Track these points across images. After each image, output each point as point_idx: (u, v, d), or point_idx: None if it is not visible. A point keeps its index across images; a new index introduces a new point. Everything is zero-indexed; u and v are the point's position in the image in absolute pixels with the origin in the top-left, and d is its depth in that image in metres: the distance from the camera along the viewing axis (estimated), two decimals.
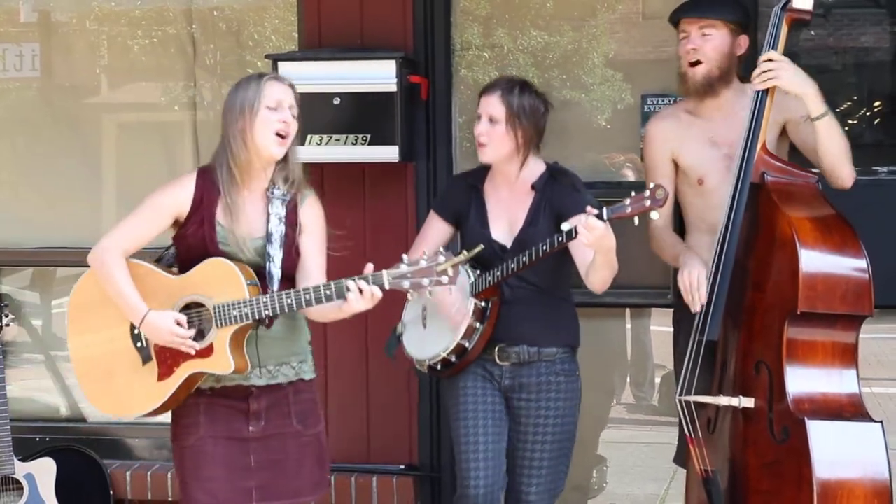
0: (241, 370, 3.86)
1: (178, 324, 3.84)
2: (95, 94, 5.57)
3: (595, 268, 4.04)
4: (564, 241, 3.94)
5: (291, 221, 3.99)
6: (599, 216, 3.83)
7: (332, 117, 4.79)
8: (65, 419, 5.56)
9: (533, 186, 4.27)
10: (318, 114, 4.76)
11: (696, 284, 4.09)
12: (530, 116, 4.23)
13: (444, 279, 3.70)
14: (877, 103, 5.06)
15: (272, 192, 3.97)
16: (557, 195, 4.25)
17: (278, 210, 3.95)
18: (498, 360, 4.25)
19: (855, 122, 5.00)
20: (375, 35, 4.96)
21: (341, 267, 4.05)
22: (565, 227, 3.90)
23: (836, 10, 4.86)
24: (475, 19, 5.21)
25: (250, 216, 3.95)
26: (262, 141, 3.88)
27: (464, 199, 4.34)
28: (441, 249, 3.77)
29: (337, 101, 4.78)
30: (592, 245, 3.89)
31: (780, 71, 4.00)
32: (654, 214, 3.89)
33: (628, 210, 3.86)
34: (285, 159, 3.97)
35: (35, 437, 5.34)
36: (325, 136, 4.80)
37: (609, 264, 4.01)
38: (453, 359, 4.20)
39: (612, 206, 3.86)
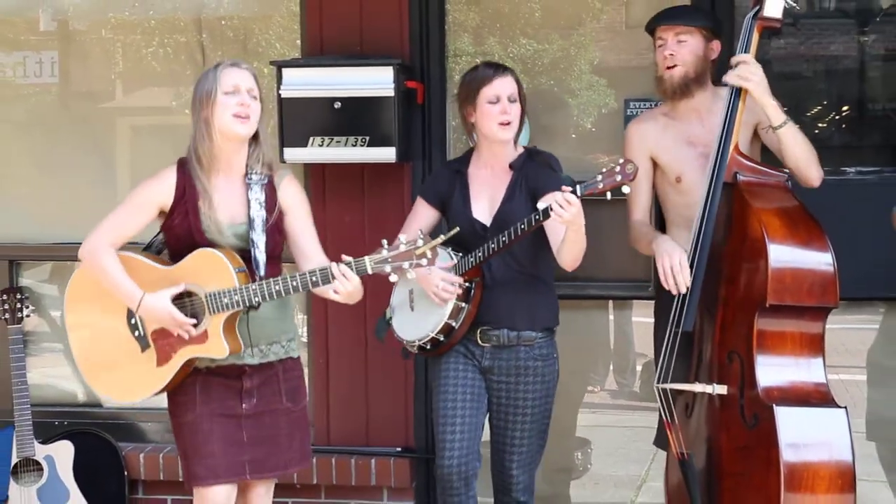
0: (235, 352, 3.87)
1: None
2: (110, 99, 5.56)
3: (567, 244, 4.02)
4: (541, 218, 3.92)
5: (271, 204, 3.96)
6: (574, 192, 3.83)
7: (333, 120, 4.76)
8: (82, 404, 5.53)
9: (511, 166, 4.25)
10: (319, 117, 4.77)
11: (677, 267, 4.05)
12: (525, 97, 4.28)
13: (424, 261, 3.70)
14: (844, 108, 5.04)
15: (250, 178, 3.94)
16: (533, 173, 4.23)
17: (258, 195, 3.93)
18: (480, 342, 4.23)
19: (824, 125, 4.98)
20: (374, 43, 4.94)
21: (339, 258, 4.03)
22: (541, 205, 3.90)
23: (806, 20, 4.91)
24: (467, 28, 5.19)
25: (232, 203, 3.94)
26: (223, 124, 3.86)
27: (448, 184, 4.32)
28: (420, 233, 3.77)
29: (337, 105, 4.75)
30: (566, 221, 3.87)
31: (750, 73, 4.00)
32: (625, 189, 3.89)
33: (600, 186, 3.86)
34: (256, 142, 3.96)
35: (54, 421, 5.32)
36: (326, 138, 4.77)
37: (580, 241, 3.99)
38: (441, 338, 4.18)
39: (585, 182, 3.86)
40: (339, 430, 5.14)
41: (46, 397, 5.43)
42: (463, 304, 4.14)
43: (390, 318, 4.35)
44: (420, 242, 3.69)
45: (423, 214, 4.35)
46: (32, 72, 5.51)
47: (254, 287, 3.79)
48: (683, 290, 4.04)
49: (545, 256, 4.21)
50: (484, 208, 4.23)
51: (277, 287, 3.79)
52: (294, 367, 4.12)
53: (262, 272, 3.87)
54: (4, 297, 5.15)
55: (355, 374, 4.98)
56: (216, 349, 3.83)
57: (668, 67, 4.28)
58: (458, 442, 4.26)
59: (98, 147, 5.48)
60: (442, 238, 3.79)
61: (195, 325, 3.83)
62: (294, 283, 3.79)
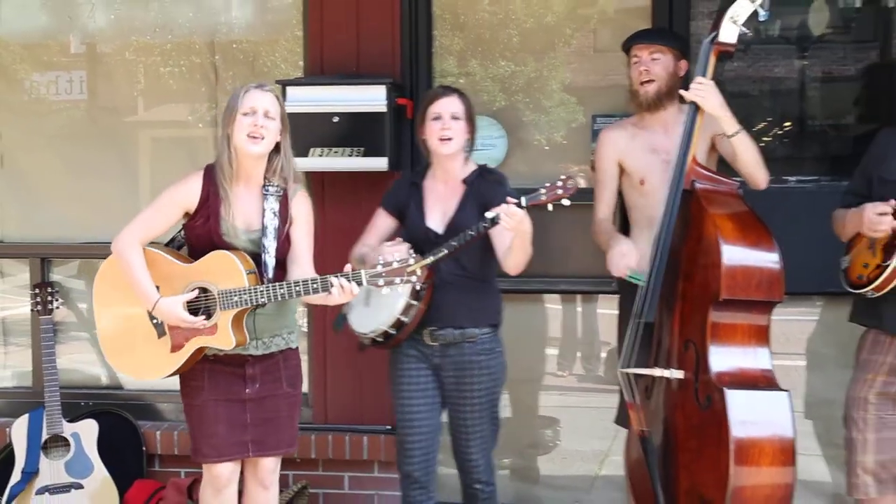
0: (241, 344, 3.92)
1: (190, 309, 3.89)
2: (133, 114, 5.56)
3: (512, 251, 4.03)
4: (489, 226, 3.92)
5: (283, 214, 4.01)
6: (518, 204, 3.84)
7: (332, 133, 4.78)
8: (105, 387, 5.55)
9: (464, 181, 4.25)
10: (319, 130, 4.78)
11: (622, 252, 4.15)
12: (473, 118, 4.26)
13: (413, 278, 3.77)
14: (787, 123, 5.06)
15: (266, 189, 3.99)
16: (484, 188, 4.23)
17: (272, 205, 3.98)
18: (429, 342, 4.22)
19: (769, 139, 5.01)
20: (368, 64, 4.96)
21: (337, 257, 4.15)
22: (490, 214, 3.88)
23: (754, 45, 4.93)
24: (452, 52, 5.20)
25: (248, 210, 3.98)
26: (239, 142, 3.92)
27: (406, 195, 4.31)
28: (410, 251, 3.84)
29: (336, 119, 4.78)
30: (513, 229, 3.88)
31: (705, 92, 4.04)
32: (565, 202, 3.89)
33: (543, 198, 3.87)
34: (278, 154, 4.00)
35: (80, 401, 5.34)
36: (325, 149, 4.79)
37: (524, 248, 4.00)
38: (393, 332, 4.15)
39: (529, 194, 3.87)
40: (335, 411, 5.16)
41: (73, 381, 5.44)
42: (414, 302, 4.11)
43: (346, 312, 4.28)
44: (411, 262, 3.75)
45: (383, 222, 4.32)
46: (64, 90, 5.53)
47: (261, 289, 3.84)
48: (618, 274, 4.13)
49: (489, 261, 4.20)
50: (437, 219, 4.22)
51: (282, 291, 3.83)
52: (293, 356, 4.17)
53: (271, 275, 3.92)
54: (37, 290, 5.18)
55: (349, 362, 4.98)
56: (224, 341, 3.89)
57: (643, 82, 4.33)
58: (418, 446, 4.30)
59: (122, 157, 5.49)
60: (431, 258, 3.86)
61: (207, 318, 3.88)
62: (297, 289, 3.84)
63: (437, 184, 4.30)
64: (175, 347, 3.96)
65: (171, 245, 4.12)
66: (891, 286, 3.89)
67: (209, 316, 3.89)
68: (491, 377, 4.28)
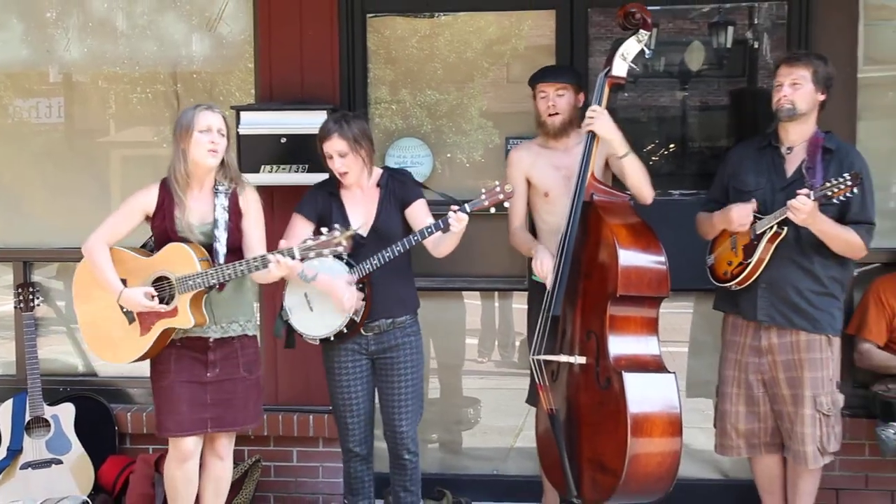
0: (200, 324, 3.93)
1: (148, 295, 3.90)
2: (105, 135, 5.49)
3: (448, 243, 4.05)
4: (433, 231, 3.95)
5: (234, 210, 4.04)
6: (463, 210, 3.90)
7: (280, 152, 4.74)
8: (81, 374, 5.47)
9: (378, 184, 4.22)
10: (269, 149, 4.75)
11: (547, 268, 4.16)
12: (364, 138, 4.16)
13: (340, 248, 3.74)
14: (671, 145, 5.08)
15: (217, 189, 4.02)
16: (398, 188, 4.22)
17: (223, 201, 4.00)
18: (363, 332, 4.19)
19: (657, 158, 5.03)
20: (312, 92, 4.93)
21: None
22: (441, 221, 3.93)
23: (643, 78, 4.96)
24: (385, 82, 5.17)
25: (200, 209, 4.01)
26: (198, 156, 3.94)
27: (325, 203, 4.23)
28: (336, 226, 3.77)
29: (283, 140, 4.74)
30: (459, 231, 3.92)
31: (598, 120, 4.10)
32: (506, 204, 3.96)
33: (485, 203, 3.92)
34: (223, 163, 4.02)
35: (59, 387, 5.26)
36: (274, 166, 4.76)
37: (456, 243, 4.04)
38: (345, 330, 4.13)
39: (473, 201, 3.93)
40: (285, 393, 5.11)
41: (53, 369, 5.36)
42: (361, 302, 4.10)
43: (287, 318, 4.21)
44: (337, 233, 3.73)
45: (301, 228, 4.20)
46: (44, 114, 5.46)
47: (211, 272, 3.87)
48: (549, 285, 4.13)
49: (409, 257, 4.22)
50: (361, 221, 4.14)
51: (229, 271, 3.87)
52: (251, 344, 4.15)
53: (222, 261, 3.94)
54: (20, 290, 5.11)
55: (296, 350, 4.80)
56: (183, 321, 3.91)
57: (551, 115, 4.34)
58: (357, 426, 4.28)
59: (95, 173, 5.43)
60: (353, 230, 3.78)
61: (168, 302, 3.90)
62: (241, 268, 3.87)
63: (352, 191, 4.24)
64: (144, 330, 3.98)
65: (145, 248, 4.14)
66: (751, 280, 4.05)
67: (171, 300, 3.91)
68: (419, 354, 4.28)
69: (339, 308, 4.07)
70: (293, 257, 3.79)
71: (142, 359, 4.04)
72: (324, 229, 3.77)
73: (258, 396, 4.20)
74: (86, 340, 4.16)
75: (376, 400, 4.36)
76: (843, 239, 4.01)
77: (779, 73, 4.12)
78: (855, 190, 3.78)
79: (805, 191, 3.85)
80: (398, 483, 4.38)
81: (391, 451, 4.35)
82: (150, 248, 4.12)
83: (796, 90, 4.06)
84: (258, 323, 4.52)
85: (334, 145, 4.14)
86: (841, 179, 3.78)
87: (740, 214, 4.09)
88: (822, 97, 4.12)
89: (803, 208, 3.83)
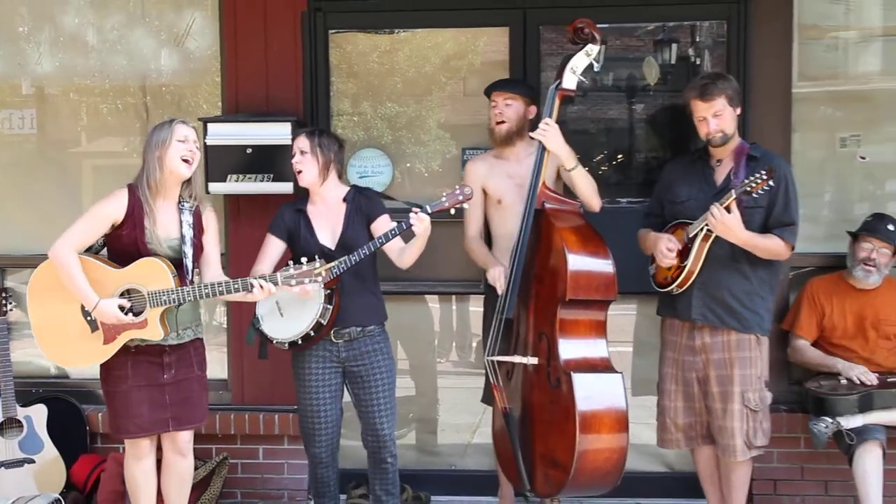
0: (166, 335, 3.85)
1: (120, 307, 3.80)
2: (77, 146, 5.41)
3: (413, 250, 4.03)
4: (397, 233, 3.94)
5: (198, 226, 3.96)
6: (425, 211, 3.89)
7: (246, 162, 4.70)
8: (53, 376, 5.36)
9: (344, 200, 4.20)
10: (235, 160, 4.70)
11: (498, 278, 4.15)
12: (325, 148, 4.17)
13: (320, 279, 3.75)
14: (619, 156, 5.08)
15: (182, 205, 3.94)
16: (363, 203, 4.20)
17: (188, 218, 3.93)
18: (334, 339, 4.16)
19: (605, 168, 5.03)
20: (276, 104, 4.89)
21: (249, 261, 4.17)
22: (404, 223, 3.92)
23: (592, 92, 4.96)
24: (347, 95, 5.14)
25: (167, 222, 3.91)
26: (174, 165, 3.86)
27: (292, 220, 4.21)
28: (316, 257, 3.80)
29: (249, 150, 4.70)
30: (423, 233, 3.91)
31: (548, 134, 4.10)
32: (465, 205, 3.96)
33: (446, 204, 3.93)
34: (189, 181, 3.94)
35: (31, 389, 5.15)
36: (240, 175, 4.71)
37: (421, 246, 4.02)
38: (312, 333, 4.09)
39: (434, 203, 3.93)
40: (251, 393, 5.06)
41: (26, 371, 5.26)
42: (328, 306, 4.06)
43: (259, 326, 4.19)
44: (317, 264, 3.76)
45: (274, 247, 4.21)
46: (17, 125, 5.37)
47: (187, 290, 3.79)
48: (500, 292, 4.13)
49: (375, 270, 4.22)
50: (327, 236, 4.16)
51: (207, 290, 3.80)
52: (200, 345, 4.13)
53: (191, 276, 3.89)
54: None
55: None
56: (153, 333, 3.83)
57: (498, 122, 4.35)
58: (323, 433, 4.24)
59: (67, 183, 5.34)
60: (334, 263, 3.84)
61: (138, 315, 3.81)
62: (220, 289, 3.81)
63: (318, 207, 4.22)
64: (108, 340, 3.88)
65: (90, 251, 3.99)
66: (689, 282, 4.04)
67: (137, 314, 3.81)
68: (389, 360, 4.25)
69: (304, 297, 4.00)
70: (276, 283, 3.79)
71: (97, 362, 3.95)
72: (304, 259, 3.79)
73: (207, 393, 4.18)
74: (39, 343, 3.99)
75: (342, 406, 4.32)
76: (763, 246, 4.04)
77: (696, 108, 4.10)
78: (771, 182, 3.82)
79: (717, 204, 3.90)
80: (380, 487, 4.34)
81: (372, 455, 4.30)
82: (97, 250, 4.01)
83: (721, 119, 4.08)
84: (225, 326, 4.44)
85: (298, 142, 4.20)
86: (757, 175, 3.84)
87: (663, 251, 4.10)
88: (738, 111, 4.14)
89: (719, 217, 3.90)
